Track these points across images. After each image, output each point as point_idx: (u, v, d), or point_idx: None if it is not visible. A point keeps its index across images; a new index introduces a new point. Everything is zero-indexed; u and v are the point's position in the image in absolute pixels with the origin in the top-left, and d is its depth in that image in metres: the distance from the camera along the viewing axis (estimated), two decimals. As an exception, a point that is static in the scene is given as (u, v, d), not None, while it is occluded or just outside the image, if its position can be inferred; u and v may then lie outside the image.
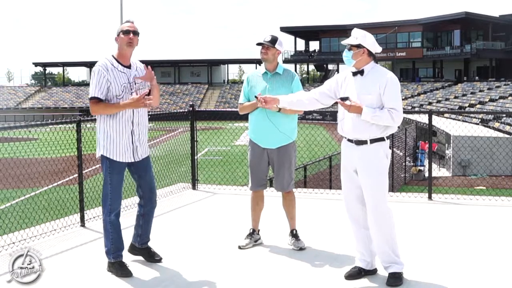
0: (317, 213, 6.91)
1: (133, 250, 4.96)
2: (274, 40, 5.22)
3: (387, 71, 4.39)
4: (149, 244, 4.99)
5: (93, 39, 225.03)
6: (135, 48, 4.64)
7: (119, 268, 4.61)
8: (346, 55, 4.41)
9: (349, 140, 4.44)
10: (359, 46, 4.34)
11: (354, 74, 4.40)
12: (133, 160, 4.66)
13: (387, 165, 4.40)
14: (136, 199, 5.06)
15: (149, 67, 4.73)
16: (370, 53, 4.37)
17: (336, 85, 4.51)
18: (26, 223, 6.48)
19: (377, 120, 4.25)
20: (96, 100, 4.54)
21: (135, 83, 4.63)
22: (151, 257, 4.93)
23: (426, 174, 15.64)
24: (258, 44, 5.26)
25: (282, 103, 4.68)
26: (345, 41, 4.40)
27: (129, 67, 4.63)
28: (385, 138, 4.37)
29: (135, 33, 4.61)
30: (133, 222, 4.97)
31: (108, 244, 4.64)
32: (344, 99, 4.32)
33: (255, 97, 4.89)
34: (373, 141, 4.33)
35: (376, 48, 4.39)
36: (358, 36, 4.35)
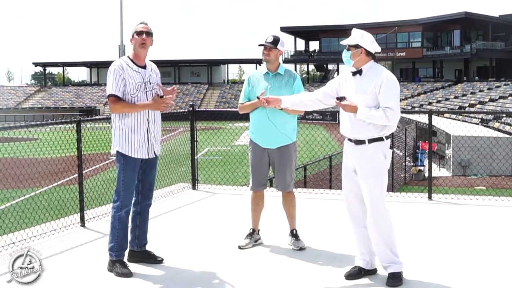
0: (317, 213, 6.91)
1: (132, 257, 4.88)
2: (276, 41, 5.21)
3: (385, 70, 4.38)
4: (149, 243, 4.98)
5: (93, 39, 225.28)
6: (149, 48, 4.75)
7: (119, 268, 4.61)
8: (345, 55, 4.43)
9: (349, 140, 4.46)
10: (357, 46, 4.35)
11: (354, 74, 4.42)
12: (147, 157, 4.76)
13: (386, 165, 4.39)
14: None
15: (175, 89, 4.82)
16: (368, 53, 4.37)
17: (338, 85, 4.53)
18: (26, 223, 6.48)
19: (372, 119, 4.25)
20: (114, 98, 4.62)
21: (150, 83, 4.75)
22: (152, 259, 4.92)
23: (426, 174, 15.64)
24: (261, 45, 5.26)
25: (284, 104, 4.71)
26: (344, 41, 4.42)
27: (144, 67, 4.75)
28: (384, 138, 4.37)
29: (148, 34, 4.72)
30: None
31: (112, 241, 4.66)
32: (340, 98, 4.34)
33: (257, 97, 4.89)
34: (371, 141, 4.34)
35: (375, 48, 4.39)
36: (356, 36, 4.37)
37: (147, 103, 4.67)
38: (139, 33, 4.68)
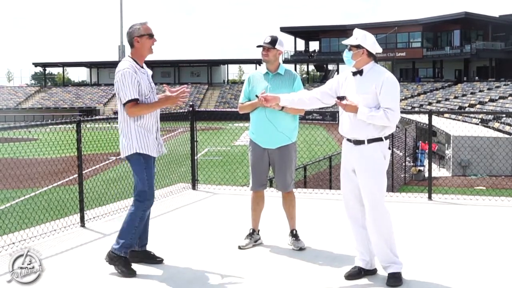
0: (317, 213, 6.91)
1: (132, 257, 4.83)
2: (274, 41, 5.21)
3: (385, 71, 4.39)
4: (149, 243, 4.98)
5: (93, 39, 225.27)
6: None
7: (125, 265, 4.60)
8: (346, 55, 4.43)
9: (348, 140, 4.46)
10: (358, 46, 4.35)
11: (354, 74, 4.42)
12: (157, 155, 4.80)
13: (385, 165, 4.40)
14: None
15: (187, 89, 4.79)
16: (370, 54, 4.38)
17: (338, 84, 4.54)
18: (26, 223, 6.48)
19: (372, 119, 4.26)
20: (134, 101, 4.56)
21: (151, 83, 4.76)
22: (152, 259, 4.91)
23: (426, 174, 15.64)
24: (258, 46, 5.26)
25: (283, 102, 4.72)
26: (346, 41, 4.42)
27: (142, 67, 4.73)
28: (384, 139, 4.37)
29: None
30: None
31: (127, 238, 4.62)
32: (341, 98, 4.35)
33: (256, 96, 4.90)
34: (370, 141, 4.34)
35: (376, 49, 4.40)
36: (358, 37, 4.37)
37: (164, 100, 4.68)
38: (152, 36, 4.65)
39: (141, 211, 4.67)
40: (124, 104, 4.58)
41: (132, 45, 4.67)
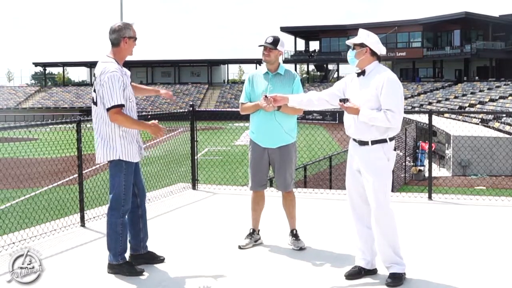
0: (317, 213, 6.91)
1: (135, 259, 4.81)
2: (276, 42, 5.21)
3: (387, 71, 4.37)
4: (150, 244, 4.96)
5: (93, 39, 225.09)
6: None
7: (129, 269, 4.59)
8: (350, 54, 4.44)
9: (354, 140, 4.47)
10: (362, 45, 4.36)
11: (358, 75, 4.43)
12: (139, 160, 4.72)
13: (388, 166, 4.39)
14: None
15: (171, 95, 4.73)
16: (373, 53, 4.37)
17: (345, 86, 4.56)
18: (26, 223, 6.48)
19: (374, 121, 4.26)
20: (120, 107, 4.41)
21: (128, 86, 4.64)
22: (155, 259, 4.90)
23: (426, 174, 15.63)
24: (261, 45, 5.25)
25: (291, 102, 4.76)
26: (349, 41, 4.43)
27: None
28: (388, 140, 4.37)
29: None
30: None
31: (116, 246, 4.57)
32: (343, 100, 4.35)
33: (265, 96, 4.84)
34: (374, 142, 4.34)
35: (380, 49, 4.39)
36: (361, 36, 4.38)
37: (149, 125, 4.56)
38: (136, 39, 4.56)
39: (118, 218, 4.55)
40: (108, 109, 4.40)
41: (117, 45, 4.50)
